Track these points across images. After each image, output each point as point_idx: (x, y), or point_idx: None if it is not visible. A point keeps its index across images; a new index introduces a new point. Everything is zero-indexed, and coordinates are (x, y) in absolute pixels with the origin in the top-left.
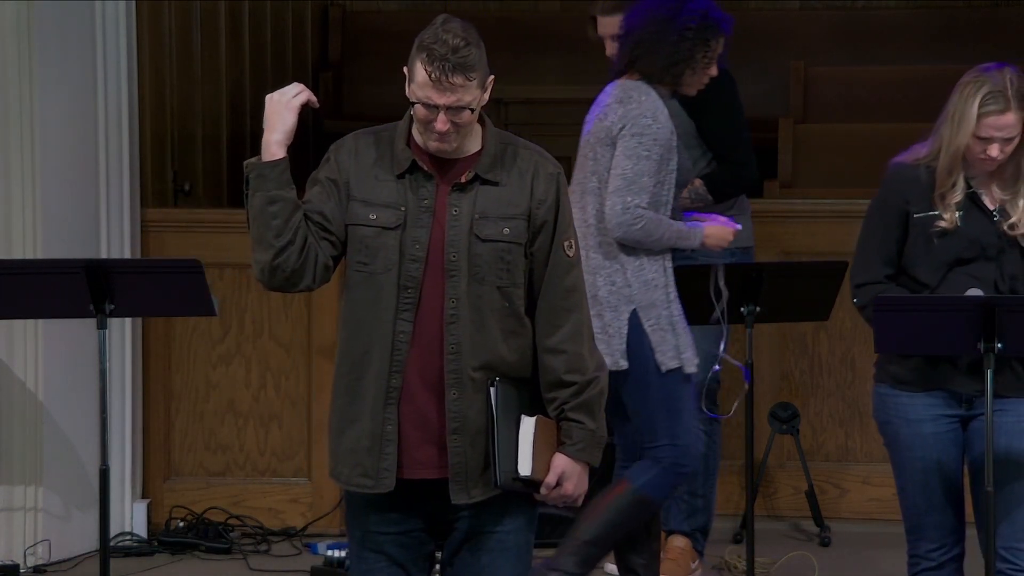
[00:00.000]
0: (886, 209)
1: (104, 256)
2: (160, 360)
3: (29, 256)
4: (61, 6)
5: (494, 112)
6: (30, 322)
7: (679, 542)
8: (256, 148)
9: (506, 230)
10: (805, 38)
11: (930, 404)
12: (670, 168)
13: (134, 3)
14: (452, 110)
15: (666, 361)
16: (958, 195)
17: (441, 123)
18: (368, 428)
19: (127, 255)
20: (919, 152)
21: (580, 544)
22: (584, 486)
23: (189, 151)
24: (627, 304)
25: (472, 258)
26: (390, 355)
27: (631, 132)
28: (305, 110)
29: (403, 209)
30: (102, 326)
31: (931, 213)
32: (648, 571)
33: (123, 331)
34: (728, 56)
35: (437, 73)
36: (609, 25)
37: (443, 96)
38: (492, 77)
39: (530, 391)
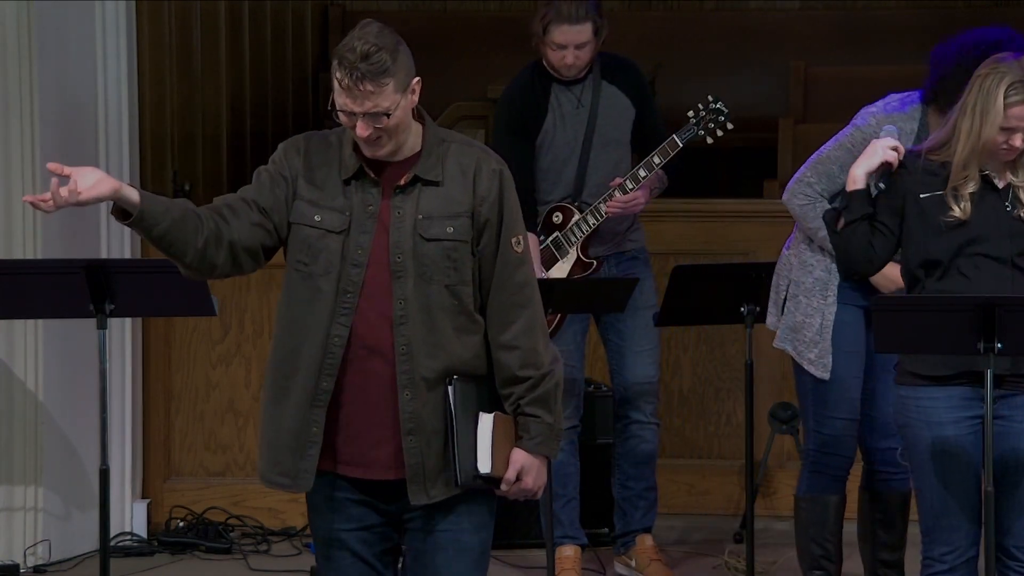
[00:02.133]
0: (893, 185)
1: (104, 256)
2: (160, 360)
3: (29, 256)
4: (61, 6)
5: (494, 112)
6: (30, 322)
7: (650, 541)
8: (256, 148)
9: (450, 228)
10: (805, 38)
11: (951, 406)
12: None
13: (134, 3)
14: (369, 116)
15: (803, 353)
16: (971, 187)
17: (361, 129)
18: (292, 428)
19: (127, 255)
20: (925, 144)
21: (804, 571)
22: (543, 479)
23: (189, 151)
24: (786, 273)
25: (418, 258)
26: (321, 358)
27: (857, 122)
28: (306, 108)
29: (348, 214)
30: (102, 326)
31: (938, 193)
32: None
33: (123, 331)
34: (729, 55)
35: (347, 80)
36: (576, 33)
37: (358, 103)
38: (418, 79)
39: (488, 388)
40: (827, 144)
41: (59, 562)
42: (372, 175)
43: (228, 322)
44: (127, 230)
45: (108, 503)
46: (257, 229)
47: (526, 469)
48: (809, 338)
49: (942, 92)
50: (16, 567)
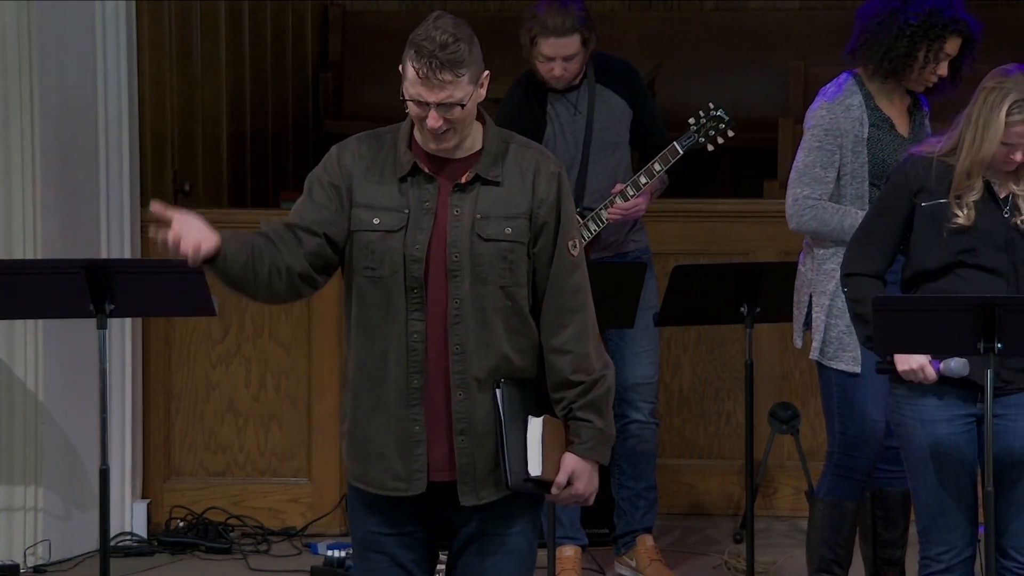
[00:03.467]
0: (895, 198)
1: (104, 256)
2: (160, 360)
3: (29, 256)
4: (61, 6)
5: (494, 112)
6: (30, 322)
7: (650, 541)
8: (256, 148)
9: (508, 230)
10: (805, 38)
11: (945, 404)
12: (859, 161)
13: (134, 3)
14: (443, 106)
15: (828, 352)
16: (976, 195)
17: (433, 120)
18: (395, 432)
19: (127, 255)
20: (934, 146)
21: (810, 572)
22: (595, 484)
23: (189, 151)
24: (807, 287)
25: (474, 258)
26: (407, 356)
27: (807, 125)
28: (306, 108)
29: (406, 212)
30: (102, 326)
31: (940, 201)
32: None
33: (123, 331)
34: (729, 55)
35: (425, 70)
36: (563, 46)
37: (433, 93)
38: (487, 73)
39: (536, 391)
40: (797, 158)
41: (59, 562)
42: (427, 171)
43: (228, 322)
44: (127, 230)
45: (108, 503)
46: (309, 257)
47: (577, 474)
48: (835, 336)
49: (861, 46)
50: (16, 567)
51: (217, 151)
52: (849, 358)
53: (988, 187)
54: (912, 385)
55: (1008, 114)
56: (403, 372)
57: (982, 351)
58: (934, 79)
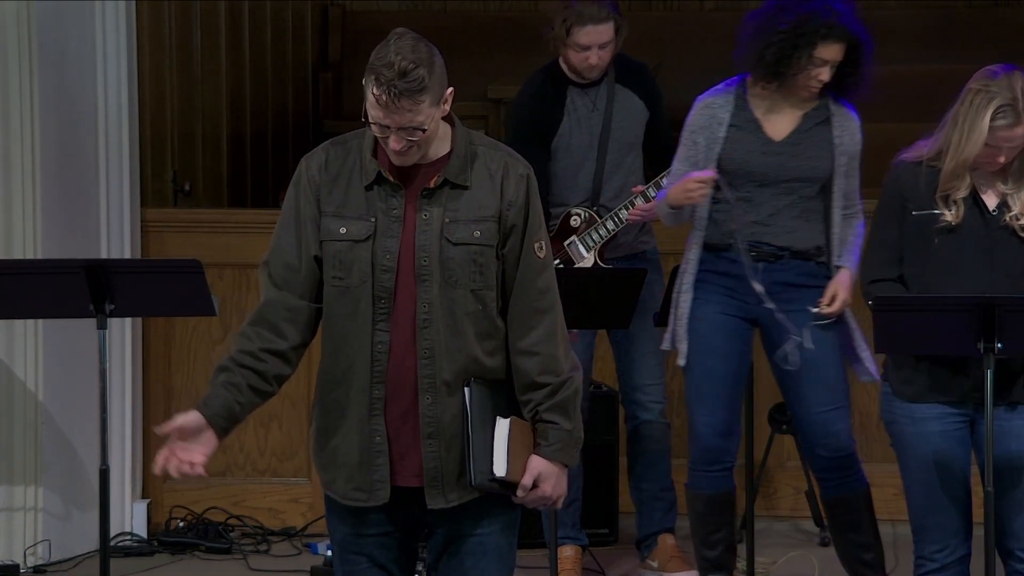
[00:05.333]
0: (890, 206)
1: (104, 256)
2: (160, 360)
3: (29, 256)
4: (61, 6)
5: (494, 112)
6: (30, 322)
7: (671, 539)
8: (256, 148)
9: (477, 233)
10: None
11: (936, 404)
12: (710, 158)
13: (134, 3)
14: (404, 130)
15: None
16: (963, 192)
17: (395, 142)
18: (357, 442)
19: (127, 255)
20: (922, 149)
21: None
22: (562, 487)
23: (189, 151)
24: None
25: (444, 262)
26: (370, 367)
27: None
28: (306, 108)
29: (373, 220)
30: (102, 326)
31: (932, 212)
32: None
33: (123, 331)
34: (729, 55)
35: (385, 98)
36: (600, 33)
37: (393, 119)
38: (451, 90)
39: (506, 393)
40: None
41: (59, 562)
42: (392, 179)
43: (228, 322)
44: (127, 230)
45: (108, 503)
46: (309, 320)
47: (544, 476)
48: (671, 325)
49: (741, 52)
50: (16, 567)
51: (217, 151)
52: (681, 351)
53: (974, 195)
54: (902, 384)
55: (993, 119)
56: (367, 382)
57: (982, 351)
58: (816, 84)
